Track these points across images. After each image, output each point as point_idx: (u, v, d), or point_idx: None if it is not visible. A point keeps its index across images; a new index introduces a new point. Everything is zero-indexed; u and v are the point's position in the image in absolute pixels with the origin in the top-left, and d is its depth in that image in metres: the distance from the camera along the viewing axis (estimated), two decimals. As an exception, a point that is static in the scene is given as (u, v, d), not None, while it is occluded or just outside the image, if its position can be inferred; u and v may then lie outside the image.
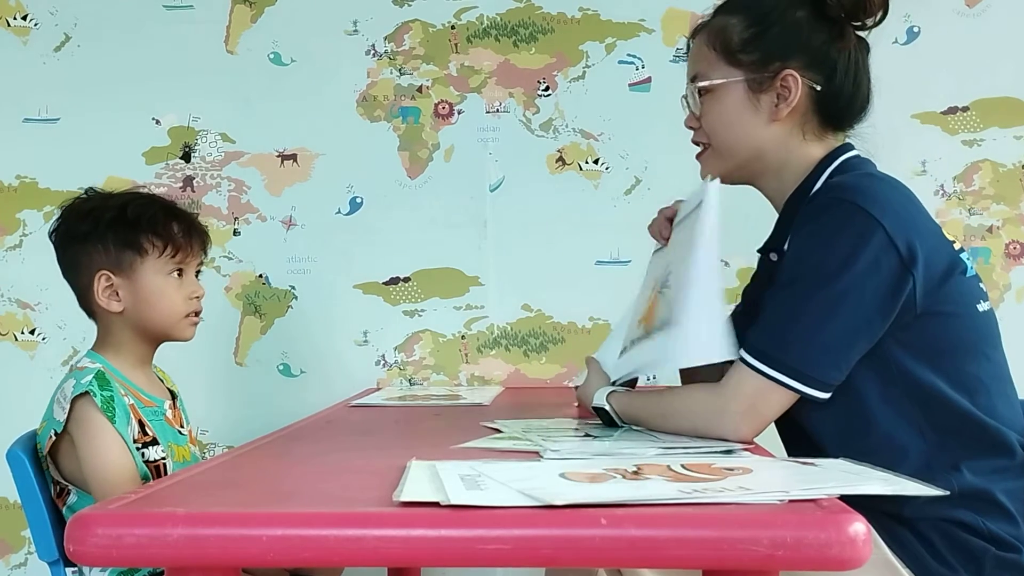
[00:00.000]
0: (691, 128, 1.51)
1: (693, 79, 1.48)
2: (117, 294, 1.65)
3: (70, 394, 1.56)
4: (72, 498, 1.60)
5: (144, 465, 1.59)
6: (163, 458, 1.62)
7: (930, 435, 1.30)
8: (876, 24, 1.43)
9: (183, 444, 1.71)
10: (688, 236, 1.37)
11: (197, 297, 1.72)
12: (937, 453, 1.29)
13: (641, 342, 1.46)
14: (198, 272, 1.76)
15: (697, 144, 1.51)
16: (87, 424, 1.56)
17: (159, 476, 1.60)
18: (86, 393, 1.56)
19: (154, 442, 1.63)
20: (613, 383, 1.51)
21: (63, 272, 1.71)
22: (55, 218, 1.71)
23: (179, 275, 1.70)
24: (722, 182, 1.50)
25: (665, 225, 1.55)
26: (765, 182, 1.48)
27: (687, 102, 1.50)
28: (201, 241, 1.75)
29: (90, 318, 1.72)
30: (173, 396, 1.77)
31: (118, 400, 1.58)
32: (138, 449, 1.59)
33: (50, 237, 1.71)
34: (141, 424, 1.62)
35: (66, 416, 1.56)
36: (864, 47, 1.45)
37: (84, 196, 1.73)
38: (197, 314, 1.73)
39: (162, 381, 1.78)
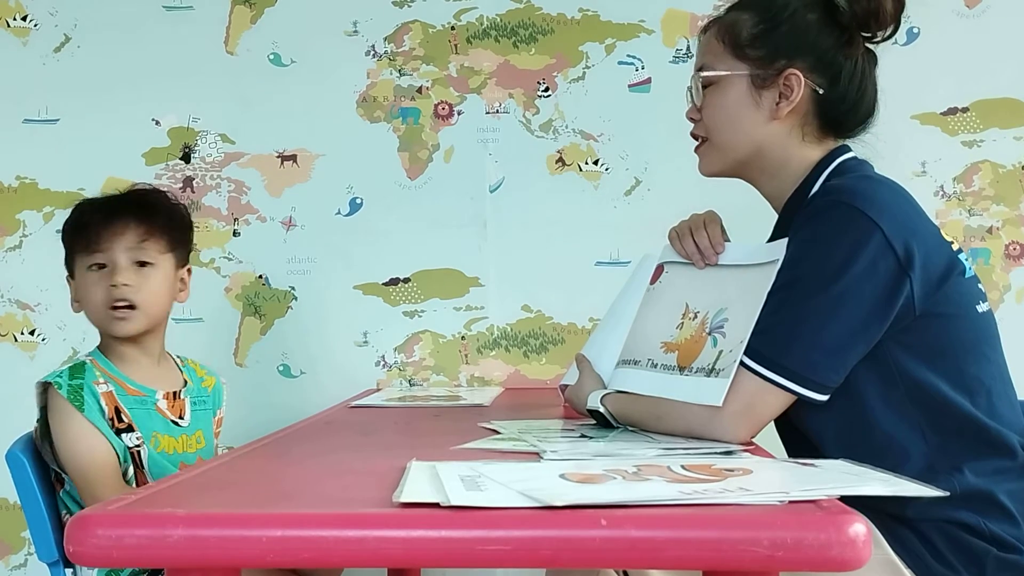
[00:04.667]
0: (692, 120, 1.51)
1: (700, 70, 1.48)
2: (76, 297, 1.72)
3: (40, 381, 1.65)
4: (69, 484, 1.64)
5: (126, 450, 1.64)
6: (137, 446, 1.65)
7: (931, 437, 1.30)
8: (886, 38, 1.43)
9: (177, 435, 1.72)
10: (760, 295, 1.33)
11: (115, 286, 1.63)
12: (939, 455, 1.29)
13: (671, 374, 1.40)
14: (144, 264, 1.67)
15: (696, 137, 1.51)
16: (56, 413, 1.62)
17: (136, 461, 1.65)
18: (51, 383, 1.62)
19: (129, 429, 1.65)
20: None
21: None
22: None
23: (99, 267, 1.65)
24: (719, 175, 1.50)
25: (711, 251, 1.47)
26: (763, 181, 1.48)
27: (691, 93, 1.50)
28: (131, 216, 1.65)
29: None
30: (186, 386, 1.79)
31: (88, 388, 1.63)
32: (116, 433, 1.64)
33: None
34: (117, 410, 1.65)
35: (39, 403, 1.64)
36: (872, 59, 1.45)
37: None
38: (127, 307, 1.64)
39: (184, 372, 1.81)
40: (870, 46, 1.45)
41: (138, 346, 1.73)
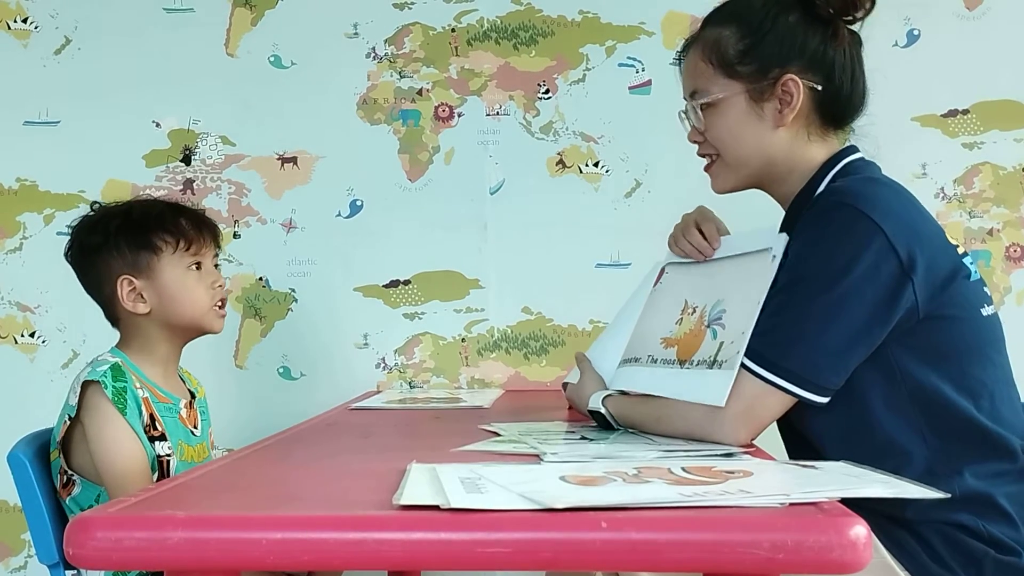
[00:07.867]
0: (694, 142, 1.50)
1: (692, 95, 1.47)
2: (142, 296, 1.68)
3: (83, 378, 1.60)
4: (76, 489, 1.62)
5: (155, 458, 1.62)
6: (168, 455, 1.64)
7: (933, 440, 1.30)
8: (866, 15, 1.42)
9: (194, 444, 1.73)
10: (756, 284, 1.34)
11: (220, 286, 1.75)
12: (940, 457, 1.29)
13: (671, 368, 1.41)
14: (217, 266, 1.79)
15: (703, 156, 1.50)
16: (97, 413, 1.59)
17: (163, 471, 1.63)
18: (97, 382, 1.59)
19: (162, 437, 1.65)
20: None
21: (86, 288, 1.73)
22: (67, 240, 1.73)
23: (198, 268, 1.72)
24: (733, 190, 1.50)
25: (705, 246, 1.49)
26: (775, 187, 1.48)
27: (687, 118, 1.49)
28: (212, 233, 1.77)
29: (115, 327, 1.74)
30: (193, 396, 1.79)
31: (131, 392, 1.61)
32: (149, 441, 1.62)
33: (66, 258, 1.73)
34: (152, 418, 1.64)
35: (77, 400, 1.59)
36: (857, 41, 1.44)
37: (90, 212, 1.75)
38: (223, 304, 1.75)
39: (185, 382, 1.80)
40: (853, 28, 1.43)
41: (178, 350, 1.75)
